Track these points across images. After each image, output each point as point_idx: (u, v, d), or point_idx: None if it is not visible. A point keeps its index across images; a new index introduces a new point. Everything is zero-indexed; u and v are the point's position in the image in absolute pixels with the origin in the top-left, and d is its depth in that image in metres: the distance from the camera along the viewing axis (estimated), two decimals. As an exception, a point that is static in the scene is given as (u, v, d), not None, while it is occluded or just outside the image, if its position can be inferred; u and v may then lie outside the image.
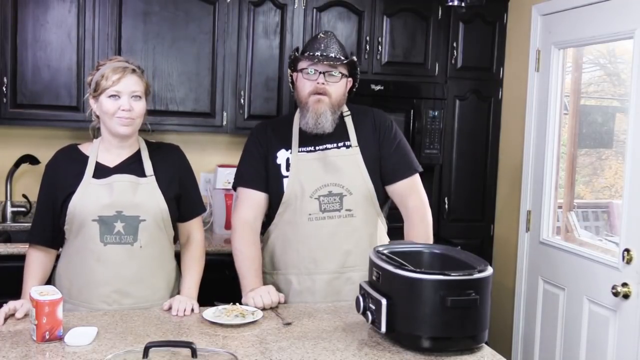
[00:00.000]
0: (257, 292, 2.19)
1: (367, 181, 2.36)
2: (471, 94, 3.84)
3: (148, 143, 2.27)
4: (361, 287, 1.96)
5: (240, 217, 2.37)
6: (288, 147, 2.38)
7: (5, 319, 1.94)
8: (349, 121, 2.41)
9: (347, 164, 2.35)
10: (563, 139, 3.45)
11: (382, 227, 2.46)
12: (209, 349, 1.77)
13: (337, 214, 2.33)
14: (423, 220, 2.39)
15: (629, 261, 2.76)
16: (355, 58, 2.37)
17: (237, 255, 2.36)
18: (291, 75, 2.43)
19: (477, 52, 3.81)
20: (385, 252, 1.95)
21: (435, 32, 3.73)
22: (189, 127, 3.50)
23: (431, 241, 2.37)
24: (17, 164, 3.48)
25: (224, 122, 3.50)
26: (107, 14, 3.30)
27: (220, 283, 2.75)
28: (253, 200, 2.38)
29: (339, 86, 2.33)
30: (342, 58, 2.33)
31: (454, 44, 3.76)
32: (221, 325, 1.97)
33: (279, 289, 2.35)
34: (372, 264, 1.93)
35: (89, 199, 2.10)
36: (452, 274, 1.76)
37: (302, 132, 2.38)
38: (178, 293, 2.25)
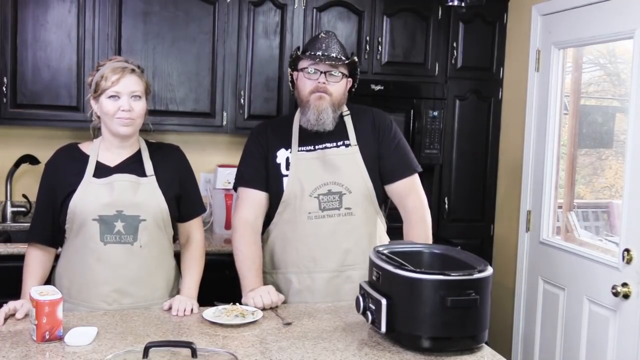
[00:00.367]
0: (257, 292, 2.19)
1: (367, 180, 2.36)
2: (471, 94, 3.84)
3: (148, 143, 2.27)
4: (361, 287, 1.96)
5: (241, 217, 2.37)
6: (288, 146, 2.38)
7: (5, 319, 1.94)
8: (348, 120, 2.42)
9: (347, 162, 2.36)
10: (563, 139, 3.45)
11: (381, 226, 2.47)
12: (209, 349, 1.77)
13: (337, 213, 2.33)
14: (422, 221, 2.40)
15: (629, 261, 2.76)
16: (356, 58, 2.38)
17: (237, 255, 2.36)
18: (291, 75, 2.44)
19: (477, 52, 3.81)
20: (385, 252, 1.95)
21: (435, 32, 3.73)
22: (189, 127, 3.50)
23: (430, 241, 2.37)
24: (17, 164, 3.48)
25: (224, 122, 3.50)
26: (107, 14, 3.30)
27: (220, 283, 2.76)
28: (254, 200, 2.38)
29: (339, 85, 2.34)
30: (343, 58, 2.34)
31: (454, 44, 3.76)
32: (221, 325, 1.97)
33: (278, 289, 2.35)
34: (372, 264, 1.93)
35: (90, 198, 2.10)
36: (452, 274, 1.76)
37: (301, 132, 2.39)
38: (178, 293, 2.25)
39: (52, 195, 2.15)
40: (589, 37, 3.15)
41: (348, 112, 2.44)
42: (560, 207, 3.47)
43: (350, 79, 2.41)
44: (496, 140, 3.91)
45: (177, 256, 2.33)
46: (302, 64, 2.35)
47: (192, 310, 2.10)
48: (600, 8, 3.04)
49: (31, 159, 3.46)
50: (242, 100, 3.50)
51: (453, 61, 3.77)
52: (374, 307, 1.86)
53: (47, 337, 1.79)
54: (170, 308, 2.11)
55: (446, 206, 3.85)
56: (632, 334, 2.74)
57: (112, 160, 2.17)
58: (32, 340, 1.80)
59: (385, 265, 1.85)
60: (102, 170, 2.15)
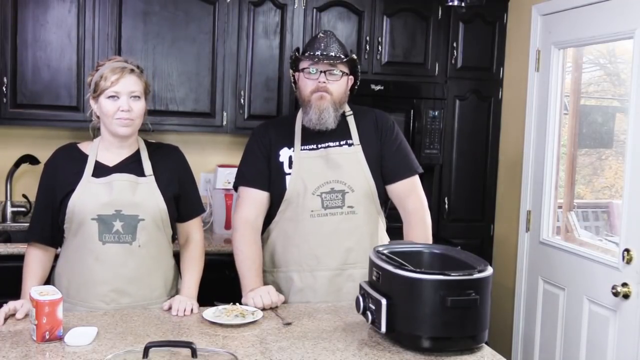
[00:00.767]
0: (256, 292, 2.19)
1: (369, 179, 2.37)
2: (471, 94, 3.84)
3: (148, 143, 2.27)
4: (361, 287, 1.96)
5: (242, 216, 2.38)
6: (290, 145, 2.39)
7: (5, 319, 1.94)
8: (351, 120, 2.43)
9: (349, 161, 2.37)
10: (563, 139, 3.45)
11: (382, 225, 2.47)
12: (209, 349, 1.77)
13: (339, 211, 2.34)
14: (422, 221, 2.40)
15: (629, 261, 2.76)
16: (355, 56, 2.39)
17: (237, 255, 2.36)
18: (293, 75, 2.45)
19: (477, 52, 3.81)
20: (385, 252, 1.95)
21: (435, 32, 3.73)
22: (189, 127, 3.50)
23: (430, 242, 2.37)
24: (17, 164, 3.48)
25: (224, 122, 3.50)
26: (107, 14, 3.30)
27: (220, 283, 2.76)
28: (254, 199, 2.38)
29: (340, 84, 2.35)
30: (342, 56, 2.34)
31: (454, 44, 3.76)
32: (221, 325, 1.97)
33: (279, 287, 2.35)
34: (372, 264, 1.93)
35: (89, 197, 2.10)
36: (452, 274, 1.76)
37: (304, 131, 2.40)
38: (177, 293, 2.25)
39: (51, 195, 2.15)
40: (589, 37, 3.15)
41: (351, 112, 2.45)
42: (560, 207, 3.47)
43: (351, 77, 2.41)
44: (496, 140, 3.91)
45: (177, 256, 2.33)
46: (302, 64, 2.36)
47: (192, 310, 2.10)
48: (600, 8, 3.04)
49: (31, 159, 3.46)
50: (242, 100, 3.50)
51: (453, 61, 3.77)
52: (374, 307, 1.86)
53: (47, 337, 1.79)
54: (170, 308, 2.11)
55: (446, 206, 3.85)
56: (632, 334, 2.74)
57: (111, 160, 2.17)
58: (32, 340, 1.80)
59: (385, 265, 1.85)
60: (101, 170, 2.15)
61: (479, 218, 3.93)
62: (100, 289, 2.12)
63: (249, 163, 2.43)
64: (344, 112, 2.42)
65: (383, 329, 1.83)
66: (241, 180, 2.42)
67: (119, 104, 2.08)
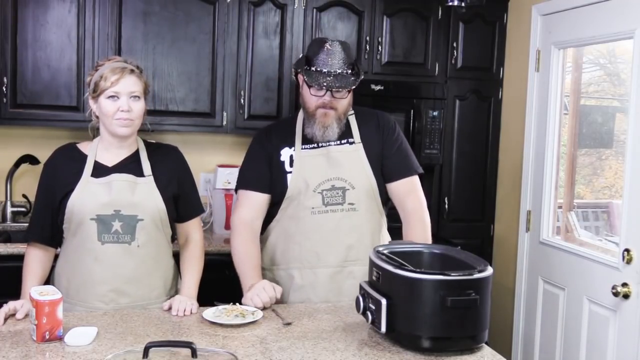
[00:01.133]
0: (253, 292, 2.19)
1: (370, 176, 2.38)
2: (471, 94, 3.84)
3: (147, 143, 2.27)
4: (361, 287, 1.96)
5: (239, 217, 2.39)
6: (291, 145, 2.40)
7: (5, 319, 1.94)
8: (352, 120, 2.44)
9: (350, 159, 2.37)
10: (563, 139, 3.45)
11: (383, 223, 2.48)
12: (209, 349, 1.77)
13: (340, 208, 2.34)
14: (421, 221, 2.40)
15: (629, 261, 2.76)
16: (362, 76, 2.33)
17: (235, 255, 2.37)
18: (296, 76, 2.42)
19: (477, 52, 3.81)
20: (385, 252, 1.95)
21: (435, 32, 3.73)
22: (189, 127, 3.50)
23: (430, 242, 2.37)
24: (17, 164, 3.48)
25: (224, 122, 3.50)
26: (107, 14, 3.30)
27: (220, 283, 2.75)
28: (252, 201, 2.39)
29: (345, 100, 2.34)
30: (351, 77, 2.27)
31: (454, 44, 3.76)
32: (221, 325, 1.97)
33: (280, 285, 2.36)
34: (372, 264, 1.93)
35: (88, 197, 2.10)
36: (452, 274, 1.76)
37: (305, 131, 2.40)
38: (176, 293, 2.25)
39: (51, 195, 2.15)
40: (589, 37, 3.15)
41: (352, 112, 2.46)
42: (560, 207, 3.47)
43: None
44: (496, 140, 3.91)
45: (176, 256, 2.33)
46: (308, 80, 2.29)
47: (192, 310, 2.10)
48: (600, 8, 3.04)
49: (31, 159, 3.46)
50: (242, 100, 3.50)
51: (453, 61, 3.77)
52: (374, 307, 1.86)
53: (47, 337, 1.79)
54: (170, 308, 2.11)
55: (446, 206, 3.85)
56: (632, 334, 2.74)
57: (110, 160, 2.17)
58: (32, 340, 1.80)
59: (385, 265, 1.85)
60: (100, 170, 2.15)
61: (479, 218, 3.93)
62: (99, 289, 2.12)
63: (249, 166, 2.44)
64: None
65: (383, 329, 1.83)
66: (240, 183, 2.44)
67: (119, 104, 2.08)
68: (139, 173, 2.18)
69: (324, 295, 2.35)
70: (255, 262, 2.34)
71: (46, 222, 2.17)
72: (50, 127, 3.44)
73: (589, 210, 3.55)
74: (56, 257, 2.24)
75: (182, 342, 1.75)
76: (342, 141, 2.40)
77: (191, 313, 2.09)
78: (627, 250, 2.77)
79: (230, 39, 3.46)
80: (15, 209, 3.52)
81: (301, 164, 2.36)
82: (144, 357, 1.67)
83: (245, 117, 3.52)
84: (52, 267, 2.24)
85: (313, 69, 2.28)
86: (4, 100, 3.22)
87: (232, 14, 3.45)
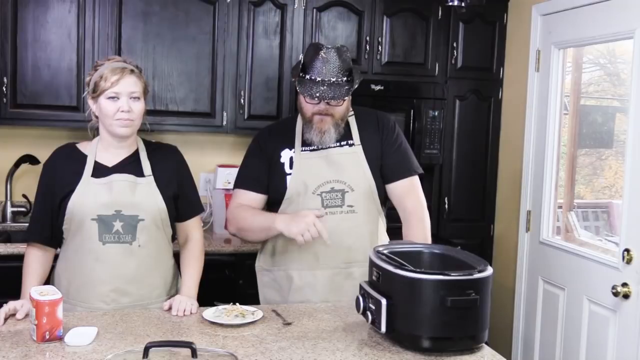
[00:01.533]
0: (302, 228, 2.13)
1: (369, 178, 2.38)
2: (471, 94, 3.84)
3: (146, 143, 2.27)
4: (361, 287, 1.96)
5: (234, 204, 2.41)
6: (291, 146, 2.40)
7: (6, 319, 1.94)
8: (352, 121, 2.43)
9: (350, 161, 2.37)
10: (563, 139, 3.45)
11: (382, 224, 2.48)
12: (209, 349, 1.77)
13: (339, 210, 2.34)
14: (421, 221, 2.40)
15: (629, 261, 2.76)
16: (358, 83, 2.30)
17: (245, 218, 2.33)
18: (293, 81, 2.41)
19: (477, 52, 3.81)
20: (385, 252, 1.95)
21: (435, 32, 3.73)
22: (189, 127, 3.50)
23: (429, 242, 2.37)
24: (17, 164, 3.48)
25: (224, 122, 3.50)
26: (107, 14, 3.30)
27: (220, 283, 2.76)
28: (248, 198, 2.40)
29: (343, 106, 2.33)
30: (345, 86, 2.25)
31: (454, 44, 3.76)
32: (221, 325, 1.97)
33: (279, 286, 2.36)
34: (372, 264, 1.93)
35: (88, 198, 2.10)
36: (452, 274, 1.76)
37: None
38: (176, 292, 2.25)
39: (51, 195, 2.15)
40: (589, 37, 3.15)
41: (352, 113, 2.45)
42: (560, 207, 3.47)
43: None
44: (496, 140, 3.91)
45: (177, 256, 2.34)
46: (301, 91, 2.27)
47: (191, 310, 2.10)
48: (600, 8, 3.04)
49: (31, 159, 3.46)
50: (242, 100, 3.50)
51: (453, 61, 3.77)
52: (374, 307, 1.86)
53: (47, 337, 1.79)
54: (170, 308, 2.11)
55: (446, 206, 3.85)
56: (632, 334, 2.74)
57: (110, 160, 2.17)
58: (32, 340, 1.80)
59: (385, 265, 1.85)
60: (101, 170, 2.15)
61: (479, 218, 3.93)
62: (100, 289, 2.12)
63: (246, 167, 2.45)
64: None
65: (383, 329, 1.83)
66: (238, 182, 2.45)
67: (119, 104, 2.08)
68: (139, 173, 2.18)
69: (323, 296, 2.35)
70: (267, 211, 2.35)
71: (46, 223, 2.16)
72: (50, 127, 3.44)
73: (589, 210, 3.55)
74: (56, 257, 2.24)
75: (182, 342, 1.75)
76: (342, 143, 2.39)
77: (191, 313, 2.09)
78: (627, 250, 2.77)
79: (230, 39, 3.46)
80: (15, 209, 3.52)
81: (300, 166, 2.36)
82: (144, 357, 1.67)
83: (245, 117, 3.52)
84: (52, 267, 2.23)
85: (307, 77, 2.26)
86: (4, 100, 3.22)
87: (232, 14, 3.45)
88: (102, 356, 1.71)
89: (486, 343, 1.89)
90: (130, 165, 2.18)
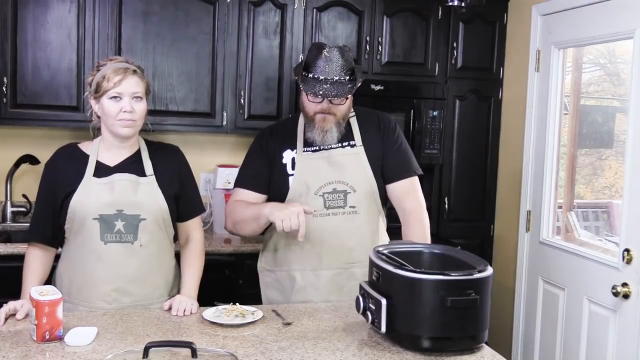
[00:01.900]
0: (285, 215, 2.14)
1: (371, 179, 2.38)
2: (471, 94, 3.84)
3: (148, 143, 2.27)
4: (361, 287, 1.96)
5: (230, 201, 2.42)
6: (293, 147, 2.40)
7: (6, 319, 1.95)
8: (353, 122, 2.44)
9: (351, 162, 2.38)
10: (563, 139, 3.45)
11: (382, 224, 2.49)
12: (209, 349, 1.77)
13: (341, 211, 2.35)
14: (420, 222, 2.41)
15: (629, 261, 2.76)
16: (360, 82, 2.31)
17: (240, 213, 2.35)
18: (297, 80, 2.43)
19: (477, 52, 3.81)
20: (385, 252, 1.95)
21: (435, 32, 3.73)
22: (189, 127, 3.50)
23: (428, 242, 2.37)
24: (17, 164, 3.48)
25: (224, 122, 3.50)
26: (107, 14, 3.30)
27: (220, 283, 2.76)
28: (247, 197, 2.40)
29: (344, 105, 2.33)
30: (348, 85, 2.26)
31: (454, 44, 3.76)
32: (221, 325, 1.97)
33: (282, 286, 2.36)
34: (372, 264, 1.93)
35: (90, 197, 2.11)
36: (452, 274, 1.76)
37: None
38: (178, 292, 2.25)
39: (52, 195, 2.15)
40: (589, 37, 3.15)
41: (353, 114, 2.46)
42: (560, 207, 3.47)
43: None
44: (496, 140, 3.91)
45: (177, 255, 2.34)
46: (304, 88, 2.27)
47: (192, 310, 2.10)
48: (600, 8, 3.04)
49: (31, 159, 3.46)
50: (242, 100, 3.50)
51: (453, 61, 3.77)
52: (374, 307, 1.86)
53: (47, 337, 1.79)
54: (170, 308, 2.11)
55: (446, 206, 3.85)
56: (632, 334, 2.74)
57: (112, 160, 2.18)
58: (32, 340, 1.80)
59: (385, 265, 1.85)
60: (102, 170, 2.15)
61: (479, 218, 3.93)
62: (102, 288, 2.12)
63: (247, 166, 2.46)
64: None
65: (383, 329, 1.83)
66: (238, 181, 2.46)
67: (122, 104, 2.08)
68: (141, 173, 2.18)
69: (326, 296, 2.35)
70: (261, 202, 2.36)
71: (47, 222, 2.17)
72: (51, 127, 3.44)
73: (589, 210, 3.55)
74: (57, 257, 2.24)
75: (182, 342, 1.75)
76: (344, 144, 2.40)
77: (191, 313, 2.09)
78: (627, 250, 2.77)
79: (230, 39, 3.46)
80: (15, 209, 3.52)
81: (302, 167, 2.36)
82: (144, 357, 1.67)
83: (245, 117, 3.52)
84: (54, 268, 2.24)
85: (310, 75, 2.26)
86: (4, 100, 3.22)
87: (232, 14, 3.45)
88: (102, 356, 1.71)
89: (486, 343, 1.89)
90: (132, 165, 2.18)
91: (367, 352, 1.81)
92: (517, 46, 3.72)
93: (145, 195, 2.15)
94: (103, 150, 2.18)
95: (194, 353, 1.68)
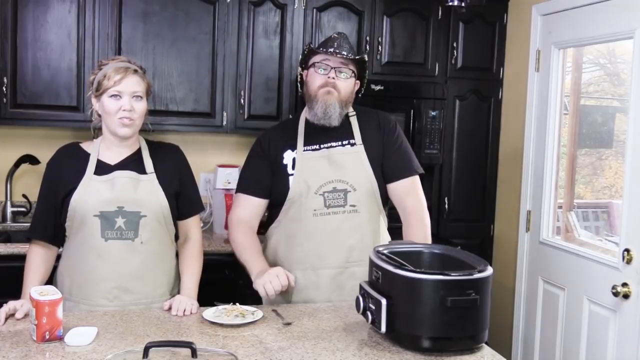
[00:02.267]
0: (265, 279, 2.18)
1: (371, 178, 2.38)
2: (471, 94, 3.84)
3: (148, 142, 2.28)
4: (361, 287, 1.96)
5: (236, 216, 2.42)
6: (294, 147, 2.41)
7: (6, 319, 1.95)
8: (354, 121, 2.45)
9: (352, 161, 2.38)
10: (563, 139, 3.45)
11: (383, 223, 2.49)
12: (209, 349, 1.77)
13: (342, 210, 2.35)
14: (421, 221, 2.41)
15: (629, 261, 2.76)
16: (366, 57, 2.43)
17: (236, 247, 2.38)
18: (301, 74, 2.46)
19: (477, 52, 3.81)
20: (385, 252, 1.95)
21: (435, 32, 3.73)
22: (189, 127, 3.50)
23: (429, 242, 2.37)
24: (17, 164, 3.48)
25: (224, 122, 3.50)
26: (107, 14, 3.30)
27: (220, 283, 2.76)
28: (249, 204, 2.41)
29: (348, 83, 2.38)
30: (357, 56, 2.38)
31: (454, 44, 3.76)
32: (221, 325, 1.97)
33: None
34: (372, 264, 1.93)
35: (91, 194, 2.12)
36: (452, 274, 1.76)
37: (307, 130, 2.41)
38: (178, 291, 2.26)
39: (54, 194, 2.16)
40: (589, 37, 3.15)
41: (354, 113, 2.47)
42: (560, 207, 3.47)
43: (358, 82, 2.45)
44: (496, 140, 3.91)
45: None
46: (314, 58, 2.38)
47: (192, 310, 2.10)
48: (600, 8, 3.04)
49: (31, 159, 3.46)
50: (242, 100, 3.50)
51: (453, 61, 3.77)
52: (374, 307, 1.86)
53: (47, 337, 1.79)
54: (170, 308, 2.11)
55: (446, 206, 3.85)
56: (632, 334, 2.74)
57: (112, 159, 2.19)
58: (32, 340, 1.80)
59: (385, 265, 1.85)
60: (103, 168, 2.17)
61: (479, 218, 3.93)
62: (103, 285, 2.13)
63: (248, 170, 2.46)
64: (347, 113, 2.44)
65: (383, 329, 1.83)
66: (240, 186, 2.46)
67: (121, 103, 2.10)
68: (142, 170, 2.19)
69: (327, 296, 2.35)
70: (258, 249, 2.36)
71: (49, 220, 2.18)
72: (51, 127, 3.44)
73: (589, 210, 3.55)
74: (58, 257, 2.25)
75: (182, 342, 1.75)
76: (344, 142, 2.40)
77: (191, 313, 2.09)
78: (627, 250, 2.77)
79: (230, 39, 3.46)
80: (15, 209, 3.52)
81: (303, 166, 2.37)
82: (144, 357, 1.67)
83: (245, 117, 3.52)
84: (55, 268, 2.24)
85: (321, 49, 2.37)
86: (4, 100, 3.22)
87: (232, 14, 3.45)
88: (102, 356, 1.71)
89: (486, 343, 1.89)
90: (133, 163, 2.20)
91: (367, 352, 1.81)
92: (517, 46, 3.72)
93: (146, 192, 2.16)
94: (104, 149, 2.20)
95: (194, 353, 1.68)
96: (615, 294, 2.78)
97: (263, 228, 2.52)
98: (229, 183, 3.54)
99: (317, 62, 2.37)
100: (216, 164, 3.72)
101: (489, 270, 1.84)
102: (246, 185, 2.43)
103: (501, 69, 3.86)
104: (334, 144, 2.39)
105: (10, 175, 3.50)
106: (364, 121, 2.45)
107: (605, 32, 3.02)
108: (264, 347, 1.82)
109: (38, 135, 3.53)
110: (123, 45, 3.33)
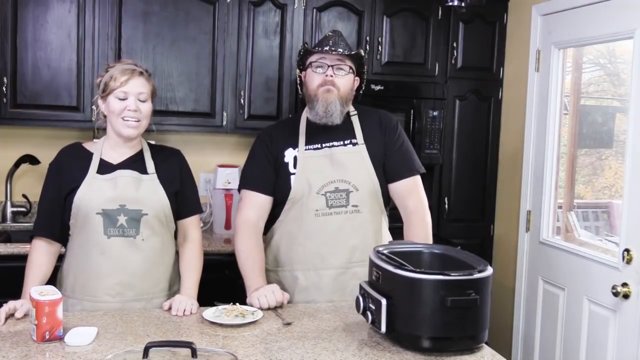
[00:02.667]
0: (261, 292, 2.20)
1: (373, 178, 2.38)
2: (471, 94, 3.84)
3: (150, 145, 2.33)
4: (361, 287, 1.96)
5: (243, 218, 2.39)
6: (295, 145, 2.40)
7: (6, 319, 1.95)
8: (355, 120, 2.45)
9: (353, 160, 2.38)
10: (563, 139, 3.45)
11: (385, 223, 2.49)
12: (209, 349, 1.77)
13: (344, 210, 2.35)
14: (422, 221, 2.41)
15: (629, 261, 2.76)
16: (362, 52, 2.43)
17: (239, 256, 2.37)
18: (299, 76, 2.46)
19: (477, 52, 3.81)
20: (385, 252, 1.95)
21: (435, 32, 3.73)
22: (189, 127, 3.50)
23: (430, 242, 2.38)
24: (17, 164, 3.48)
25: (224, 122, 3.50)
26: (107, 14, 3.30)
27: (220, 283, 2.76)
28: (256, 202, 2.39)
29: (346, 80, 2.38)
30: (352, 52, 2.39)
31: (454, 44, 3.76)
32: (221, 325, 1.97)
33: (283, 286, 2.36)
34: (372, 264, 1.93)
35: (94, 193, 2.16)
36: (452, 274, 1.76)
37: (309, 130, 2.41)
38: (179, 288, 2.28)
39: (58, 191, 2.20)
40: (589, 37, 3.15)
41: (355, 112, 2.47)
42: (560, 207, 3.47)
43: (357, 78, 2.45)
44: (496, 140, 3.91)
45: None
46: (311, 58, 2.39)
47: (192, 310, 2.11)
48: (600, 8, 3.04)
49: (31, 159, 3.46)
50: (242, 100, 3.50)
51: (453, 61, 3.77)
52: (374, 307, 1.86)
53: (47, 337, 1.79)
54: (170, 308, 2.12)
55: (446, 206, 3.85)
56: (632, 334, 2.74)
57: (115, 158, 2.23)
58: (32, 340, 1.80)
59: (385, 265, 1.85)
60: (106, 167, 2.21)
61: (479, 218, 3.93)
62: (106, 282, 2.16)
63: (252, 166, 2.44)
64: (348, 112, 2.44)
65: (383, 329, 1.83)
66: (244, 183, 2.44)
67: (127, 103, 2.15)
68: (143, 171, 2.24)
69: (329, 296, 2.35)
70: (260, 265, 2.35)
71: (53, 218, 2.21)
72: (51, 127, 3.44)
73: (589, 210, 3.55)
74: (60, 257, 2.26)
75: (182, 342, 1.75)
76: (345, 142, 2.40)
77: (191, 313, 2.10)
78: (627, 250, 2.77)
79: (230, 39, 3.46)
80: (15, 209, 3.52)
81: (304, 166, 2.37)
82: (144, 357, 1.67)
83: (245, 117, 3.52)
84: (57, 268, 2.25)
85: (316, 48, 2.37)
86: (4, 100, 3.22)
87: (232, 14, 3.45)
88: (102, 356, 1.71)
89: (486, 343, 1.89)
90: (135, 164, 2.24)
91: (367, 352, 1.81)
92: (517, 46, 3.72)
93: (147, 191, 2.20)
94: (107, 148, 2.24)
95: (194, 353, 1.68)
96: (615, 294, 2.78)
97: (265, 227, 2.51)
98: (229, 183, 3.54)
99: (314, 62, 2.37)
100: (216, 164, 3.72)
101: (489, 270, 1.84)
102: (252, 181, 2.41)
103: (501, 69, 3.86)
104: (335, 143, 2.39)
105: (10, 175, 3.50)
106: (365, 120, 2.45)
107: (605, 32, 3.02)
108: (264, 347, 1.82)
109: (38, 135, 3.53)
110: (123, 45, 3.33)
